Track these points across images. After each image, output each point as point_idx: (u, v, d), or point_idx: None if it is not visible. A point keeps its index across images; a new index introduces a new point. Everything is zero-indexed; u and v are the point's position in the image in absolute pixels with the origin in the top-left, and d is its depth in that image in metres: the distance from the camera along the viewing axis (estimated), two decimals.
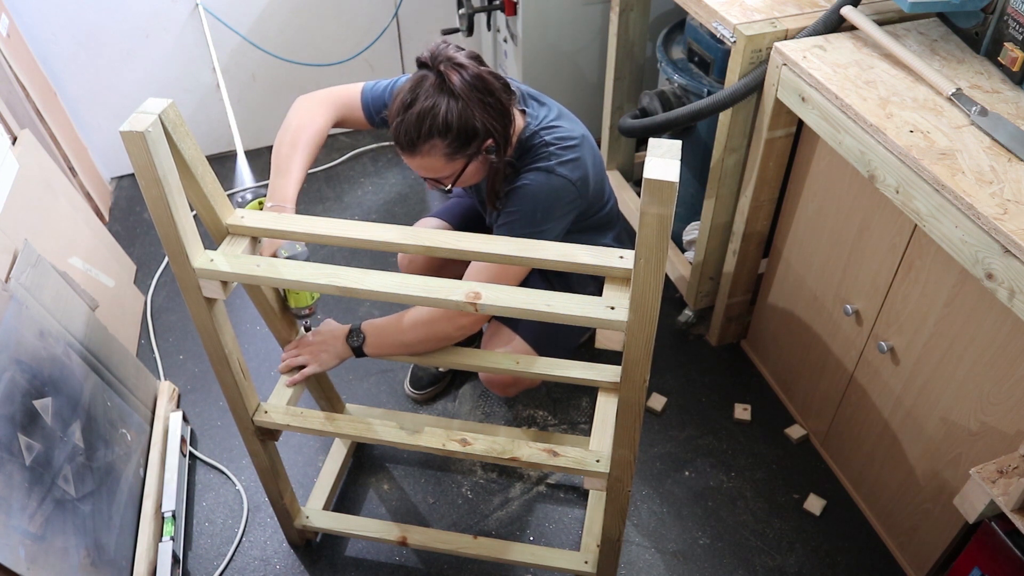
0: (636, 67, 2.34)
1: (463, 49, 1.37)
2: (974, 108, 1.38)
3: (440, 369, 2.09)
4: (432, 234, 1.20)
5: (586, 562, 1.64)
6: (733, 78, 1.70)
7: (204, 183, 1.19)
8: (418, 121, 1.33)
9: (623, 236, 1.77)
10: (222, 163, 2.93)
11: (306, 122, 1.50)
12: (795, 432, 2.01)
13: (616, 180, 2.58)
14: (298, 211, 1.44)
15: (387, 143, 3.01)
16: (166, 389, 2.01)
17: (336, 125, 1.58)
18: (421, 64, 1.36)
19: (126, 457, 1.75)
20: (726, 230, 2.00)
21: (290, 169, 1.43)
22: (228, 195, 2.77)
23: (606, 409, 1.51)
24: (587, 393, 2.12)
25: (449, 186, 1.45)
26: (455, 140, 1.36)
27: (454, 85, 1.32)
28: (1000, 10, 1.46)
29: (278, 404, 1.50)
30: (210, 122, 2.88)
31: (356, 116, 1.57)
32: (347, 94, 1.56)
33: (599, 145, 2.38)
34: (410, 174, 2.88)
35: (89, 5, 2.47)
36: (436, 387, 2.11)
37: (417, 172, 1.45)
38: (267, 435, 1.53)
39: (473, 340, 2.16)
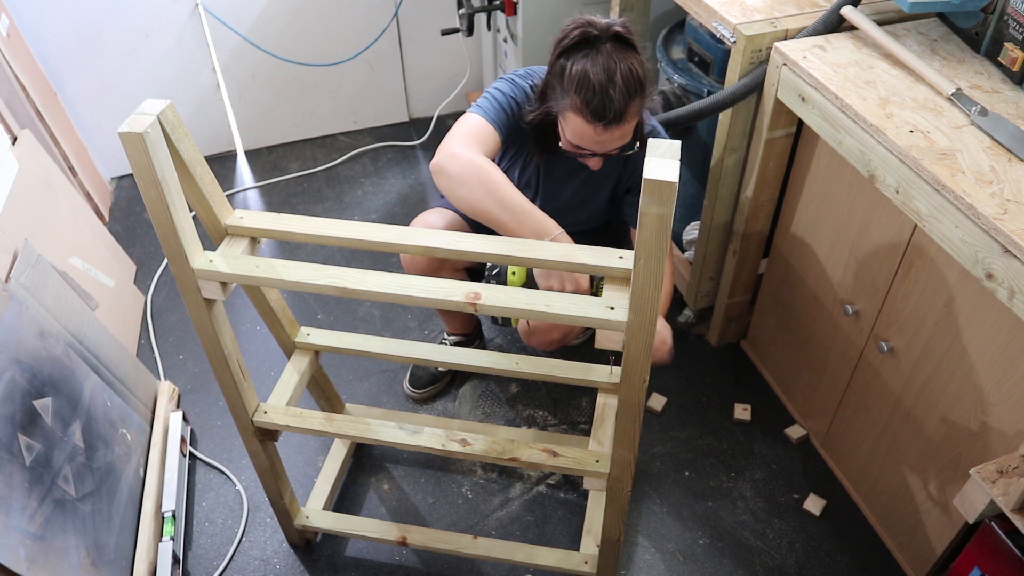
0: None
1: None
2: (974, 108, 1.38)
3: (440, 369, 2.09)
4: (432, 234, 1.20)
5: (586, 562, 1.64)
6: (733, 78, 1.70)
7: (203, 184, 1.19)
8: (625, 87, 1.36)
9: None
10: (222, 163, 2.94)
11: (486, 164, 1.42)
12: (795, 432, 2.01)
13: None
14: (298, 211, 1.44)
15: (387, 143, 3.02)
16: (166, 389, 2.01)
17: None
18: (590, 38, 1.38)
19: (126, 457, 1.75)
20: (726, 230, 2.00)
21: (529, 204, 1.39)
22: (228, 195, 2.77)
23: (606, 409, 1.51)
24: (587, 393, 2.12)
25: (634, 148, 1.48)
26: (644, 94, 1.41)
27: (634, 41, 1.38)
28: (1000, 10, 1.46)
29: (277, 404, 1.50)
30: (210, 122, 2.88)
31: (495, 149, 1.53)
32: (480, 131, 1.50)
33: None
34: (410, 174, 2.88)
35: (89, 5, 2.47)
36: (435, 387, 2.11)
37: (603, 147, 1.45)
38: (267, 435, 1.54)
39: (473, 340, 2.17)
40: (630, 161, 1.65)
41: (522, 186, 1.70)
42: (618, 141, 1.45)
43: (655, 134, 1.56)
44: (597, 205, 1.76)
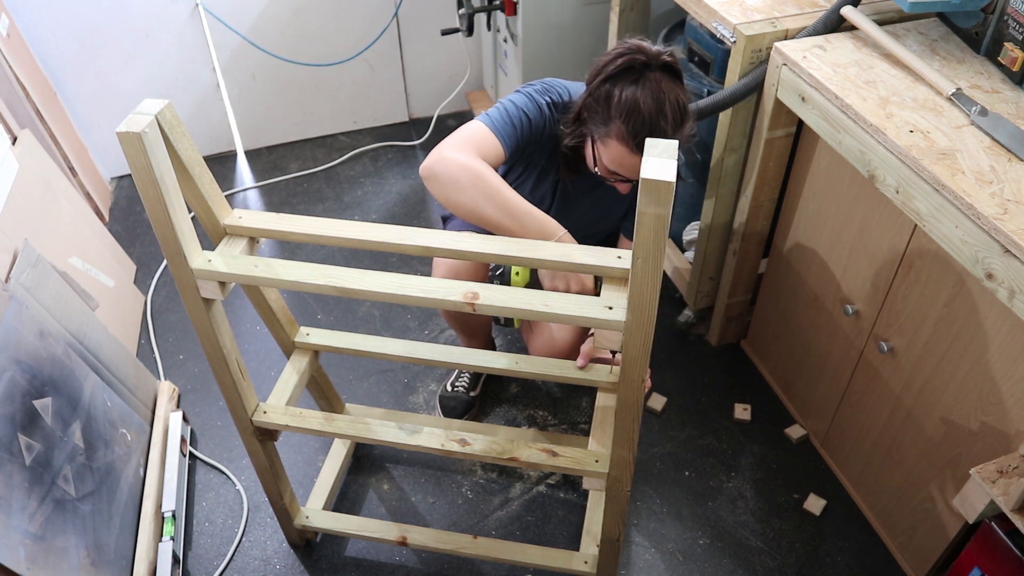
0: None
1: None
2: (974, 108, 1.38)
3: (472, 394, 2.05)
4: (432, 234, 1.20)
5: (586, 562, 1.64)
6: (733, 78, 1.70)
7: (202, 184, 1.20)
8: (674, 116, 1.36)
9: None
10: (222, 163, 2.94)
11: (479, 166, 1.37)
12: (795, 432, 2.01)
13: None
14: (298, 211, 1.44)
15: (387, 143, 3.02)
16: (166, 389, 2.01)
17: None
18: (638, 65, 1.37)
19: (126, 457, 1.75)
20: (726, 230, 2.00)
21: (529, 205, 1.36)
22: (228, 195, 2.77)
23: (606, 409, 1.51)
24: (587, 393, 2.12)
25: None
26: (686, 124, 1.40)
27: (680, 72, 1.38)
28: (1000, 10, 1.46)
29: (277, 404, 1.50)
30: (210, 122, 2.88)
31: (497, 160, 1.47)
32: (480, 138, 1.44)
33: None
34: (410, 174, 2.88)
35: (89, 5, 2.48)
36: (470, 413, 2.05)
37: (637, 176, 1.41)
38: (266, 435, 1.54)
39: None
40: None
41: (535, 203, 1.66)
42: None
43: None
44: (609, 223, 1.76)
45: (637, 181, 1.45)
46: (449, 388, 2.06)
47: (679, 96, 1.37)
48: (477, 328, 1.92)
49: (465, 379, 2.07)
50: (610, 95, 1.37)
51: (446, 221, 1.87)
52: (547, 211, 1.69)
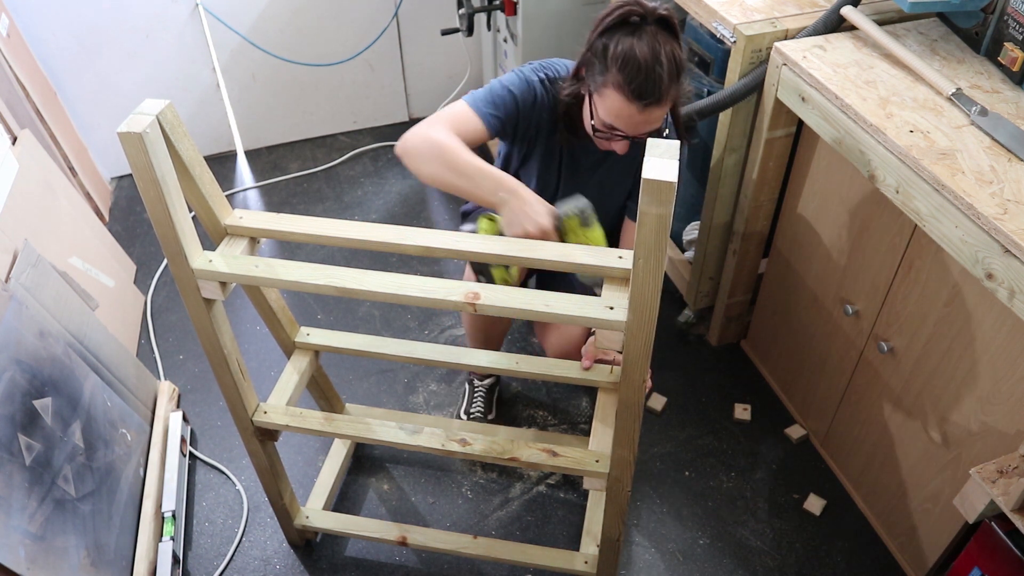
0: None
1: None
2: (974, 108, 1.38)
3: (489, 417, 2.05)
4: (432, 234, 1.20)
5: (586, 562, 1.64)
6: (733, 78, 1.70)
7: (202, 184, 1.19)
8: (669, 67, 1.35)
9: None
10: (222, 163, 2.94)
11: (442, 136, 1.42)
12: (795, 432, 2.01)
13: None
14: (298, 211, 1.44)
15: (387, 143, 3.02)
16: (166, 389, 2.01)
17: None
18: (635, 17, 1.37)
19: (126, 457, 1.75)
20: (726, 230, 2.00)
21: (484, 164, 1.39)
22: (228, 195, 2.77)
23: (606, 409, 1.51)
24: (587, 393, 2.12)
25: (663, 134, 1.47)
26: (683, 81, 1.40)
27: (677, 29, 1.38)
28: (1000, 10, 1.46)
29: (277, 404, 1.50)
30: (210, 122, 2.88)
31: (476, 135, 1.50)
32: (457, 116, 1.48)
33: None
34: (410, 174, 2.86)
35: (89, 5, 2.47)
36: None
37: (638, 129, 1.42)
38: (266, 435, 1.53)
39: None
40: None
41: (541, 183, 1.66)
42: (651, 124, 1.43)
43: (670, 127, 1.56)
44: (614, 203, 1.73)
45: (634, 139, 1.45)
46: (464, 416, 2.05)
47: (675, 49, 1.36)
48: (494, 339, 1.91)
49: (480, 404, 2.05)
50: (606, 47, 1.39)
51: (465, 216, 1.86)
52: (554, 192, 1.68)
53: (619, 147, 1.48)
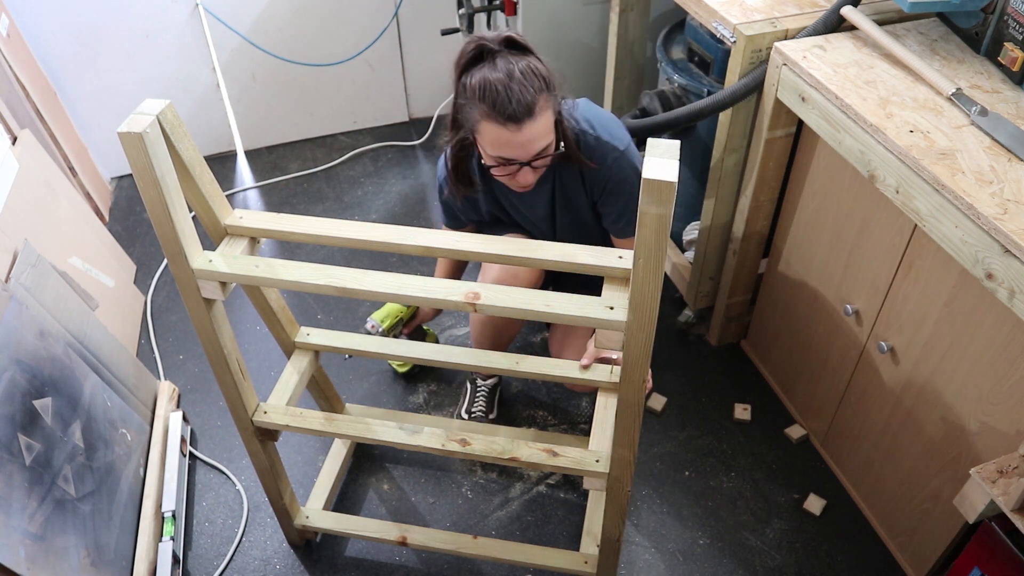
0: (636, 67, 2.34)
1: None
2: (974, 108, 1.38)
3: (491, 416, 2.05)
4: (432, 234, 1.20)
5: (586, 562, 1.64)
6: (733, 78, 1.70)
7: (202, 184, 1.20)
8: (525, 80, 1.35)
9: None
10: (222, 163, 2.94)
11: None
12: (795, 432, 2.01)
13: None
14: (298, 211, 1.44)
15: (387, 143, 3.02)
16: (166, 389, 2.01)
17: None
18: (485, 51, 1.39)
19: (126, 457, 1.75)
20: (726, 230, 2.00)
21: None
22: (228, 195, 2.77)
23: (606, 409, 1.51)
24: (587, 393, 2.12)
25: (554, 151, 1.45)
26: (551, 89, 1.40)
27: (528, 46, 1.39)
28: (1000, 10, 1.46)
29: (277, 404, 1.50)
30: (210, 122, 2.88)
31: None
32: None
33: None
34: (410, 174, 2.88)
35: (89, 5, 2.47)
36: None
37: (526, 151, 1.41)
38: (266, 435, 1.53)
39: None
40: (586, 176, 1.60)
41: (535, 216, 1.72)
42: (538, 141, 1.41)
43: (585, 136, 1.53)
44: (592, 226, 1.73)
45: (531, 163, 1.43)
46: (465, 415, 2.05)
47: (530, 63, 1.37)
48: (503, 345, 1.91)
49: (482, 403, 2.05)
50: (466, 85, 1.39)
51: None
52: (550, 217, 1.72)
53: (523, 178, 1.47)
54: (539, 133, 1.40)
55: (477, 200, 1.69)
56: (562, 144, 1.47)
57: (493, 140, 1.40)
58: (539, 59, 1.40)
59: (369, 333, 1.97)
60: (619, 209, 1.63)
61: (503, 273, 1.71)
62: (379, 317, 1.93)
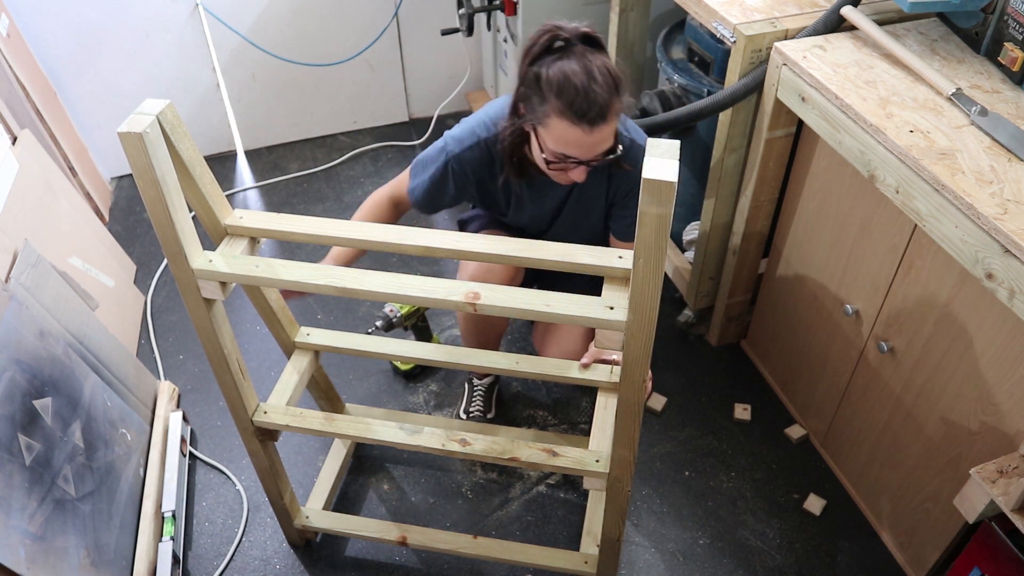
0: (636, 67, 2.34)
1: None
2: (974, 108, 1.38)
3: (489, 416, 2.05)
4: (432, 234, 1.20)
5: (586, 562, 1.64)
6: (733, 78, 1.70)
7: (202, 184, 1.19)
8: (605, 83, 1.32)
9: None
10: (222, 163, 2.94)
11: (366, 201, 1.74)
12: (795, 432, 2.01)
13: None
14: (298, 211, 1.44)
15: (387, 143, 3.02)
16: (166, 389, 2.01)
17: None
18: (558, 41, 1.37)
19: (126, 457, 1.75)
20: (726, 230, 2.00)
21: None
22: (228, 195, 2.77)
23: (606, 409, 1.51)
24: (587, 393, 2.12)
25: (617, 152, 1.42)
26: (621, 92, 1.37)
27: (602, 42, 1.37)
28: (1000, 10, 1.46)
29: (277, 404, 1.50)
30: (210, 122, 2.88)
31: (404, 207, 1.75)
32: (400, 179, 1.73)
33: None
34: None
35: (89, 5, 2.47)
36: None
37: (591, 151, 1.38)
38: (266, 435, 1.53)
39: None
40: (614, 178, 1.58)
41: (522, 233, 1.69)
42: (603, 144, 1.39)
43: (621, 138, 1.48)
44: (592, 226, 1.71)
45: (589, 163, 1.41)
46: (463, 415, 2.05)
47: (606, 63, 1.35)
48: (490, 344, 1.90)
49: (479, 403, 2.04)
50: (539, 76, 1.36)
51: (464, 224, 1.86)
52: (554, 216, 1.69)
53: (577, 175, 1.44)
54: (607, 135, 1.38)
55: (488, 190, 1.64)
56: (620, 147, 1.43)
57: (560, 137, 1.37)
58: (610, 59, 1.37)
59: (388, 317, 1.98)
60: (636, 213, 1.60)
61: (479, 269, 1.68)
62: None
